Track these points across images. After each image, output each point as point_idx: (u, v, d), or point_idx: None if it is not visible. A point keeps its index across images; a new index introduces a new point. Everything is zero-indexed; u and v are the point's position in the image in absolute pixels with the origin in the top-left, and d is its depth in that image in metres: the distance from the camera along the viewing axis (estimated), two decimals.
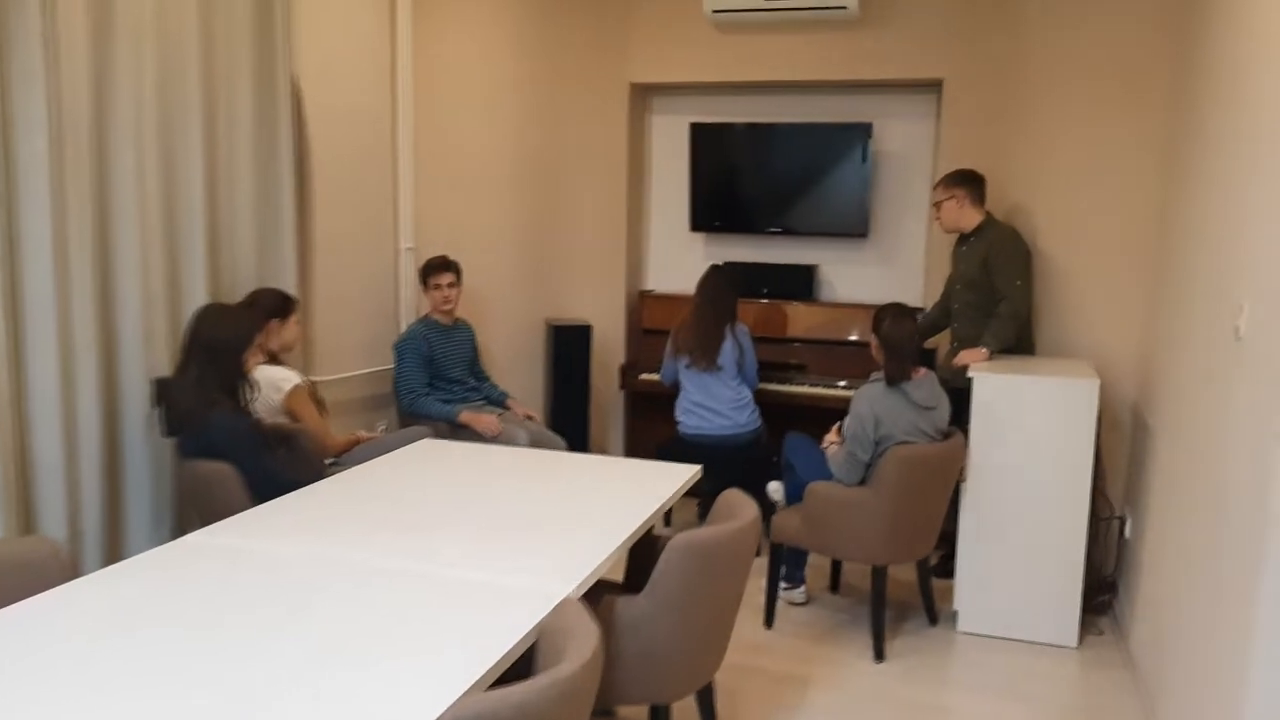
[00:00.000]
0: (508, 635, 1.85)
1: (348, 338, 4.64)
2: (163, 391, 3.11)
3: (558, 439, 4.69)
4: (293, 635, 1.83)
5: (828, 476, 3.69)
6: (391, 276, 4.96)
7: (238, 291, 3.80)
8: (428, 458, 3.16)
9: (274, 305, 3.70)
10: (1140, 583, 3.62)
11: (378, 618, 1.91)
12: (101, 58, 3.14)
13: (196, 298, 3.56)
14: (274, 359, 3.71)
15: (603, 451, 5.62)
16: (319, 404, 3.80)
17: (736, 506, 2.71)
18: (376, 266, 4.83)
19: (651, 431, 5.45)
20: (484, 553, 2.28)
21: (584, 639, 1.84)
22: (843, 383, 4.94)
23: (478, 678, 1.69)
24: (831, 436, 3.85)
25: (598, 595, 2.65)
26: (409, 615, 1.92)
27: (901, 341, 3.55)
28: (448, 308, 4.62)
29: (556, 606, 1.99)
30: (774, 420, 5.14)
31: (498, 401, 4.84)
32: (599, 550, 2.33)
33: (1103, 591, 4.06)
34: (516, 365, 5.37)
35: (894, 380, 3.55)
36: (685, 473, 3.11)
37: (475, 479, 2.90)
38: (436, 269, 4.59)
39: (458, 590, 2.05)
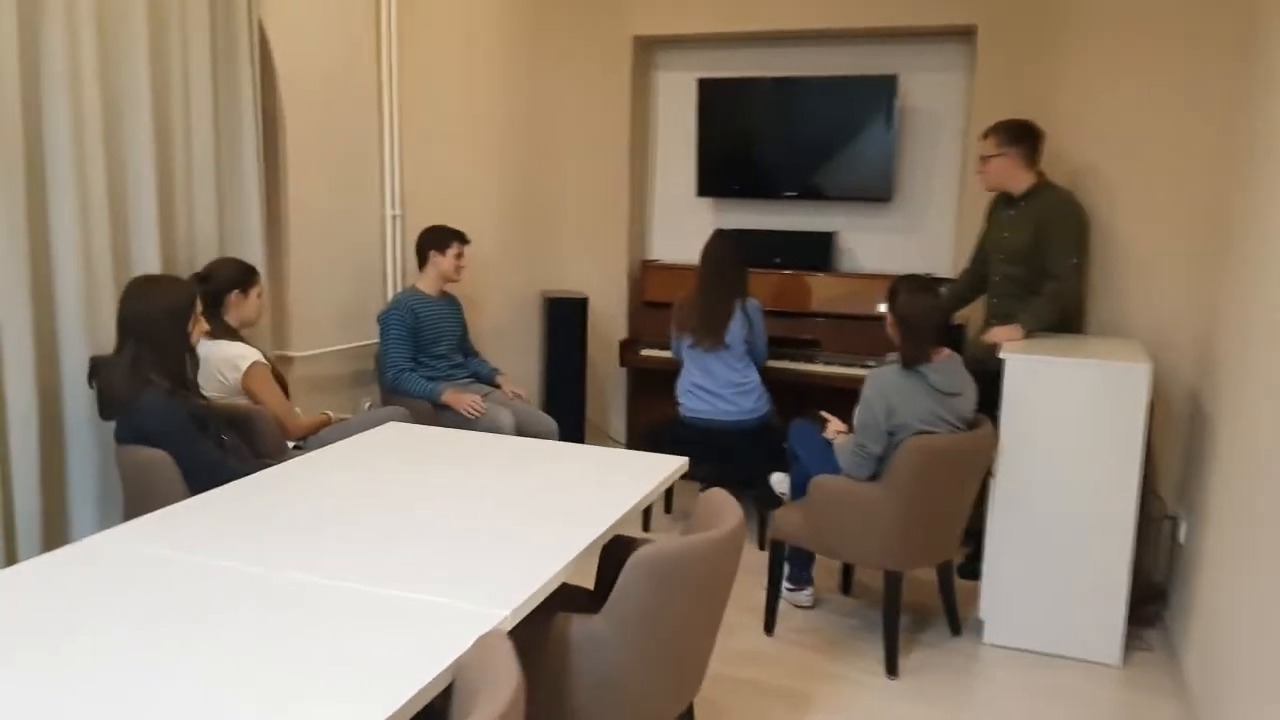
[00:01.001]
0: (418, 675, 1.51)
1: (329, 310, 4.28)
2: (96, 371, 2.77)
3: (548, 420, 4.30)
4: (175, 667, 1.50)
5: (836, 468, 3.26)
6: (378, 245, 4.57)
7: (197, 261, 3.44)
8: (388, 445, 2.79)
9: (232, 277, 3.37)
10: (1196, 593, 3.17)
11: (276, 648, 1.56)
12: None
13: (147, 268, 3.20)
14: (234, 334, 3.37)
15: (602, 432, 5.22)
16: (281, 383, 3.44)
17: (718, 510, 2.31)
18: (361, 234, 4.45)
19: (655, 411, 5.03)
20: (421, 564, 1.92)
21: (501, 685, 1.46)
22: (863, 361, 4.49)
23: None
24: (836, 425, 3.42)
25: (564, 604, 2.29)
26: (314, 645, 1.58)
27: (920, 318, 3.11)
28: (457, 279, 4.27)
29: (478, 641, 1.60)
30: (785, 402, 4.72)
31: (487, 379, 4.46)
32: (551, 563, 1.95)
33: (1151, 601, 3.61)
34: (510, 340, 4.98)
35: (911, 362, 3.11)
36: (669, 465, 2.72)
37: (433, 472, 2.54)
38: (461, 238, 4.26)
39: (378, 612, 1.70)
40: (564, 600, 2.46)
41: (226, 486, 2.37)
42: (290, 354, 4.05)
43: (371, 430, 2.98)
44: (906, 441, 3.07)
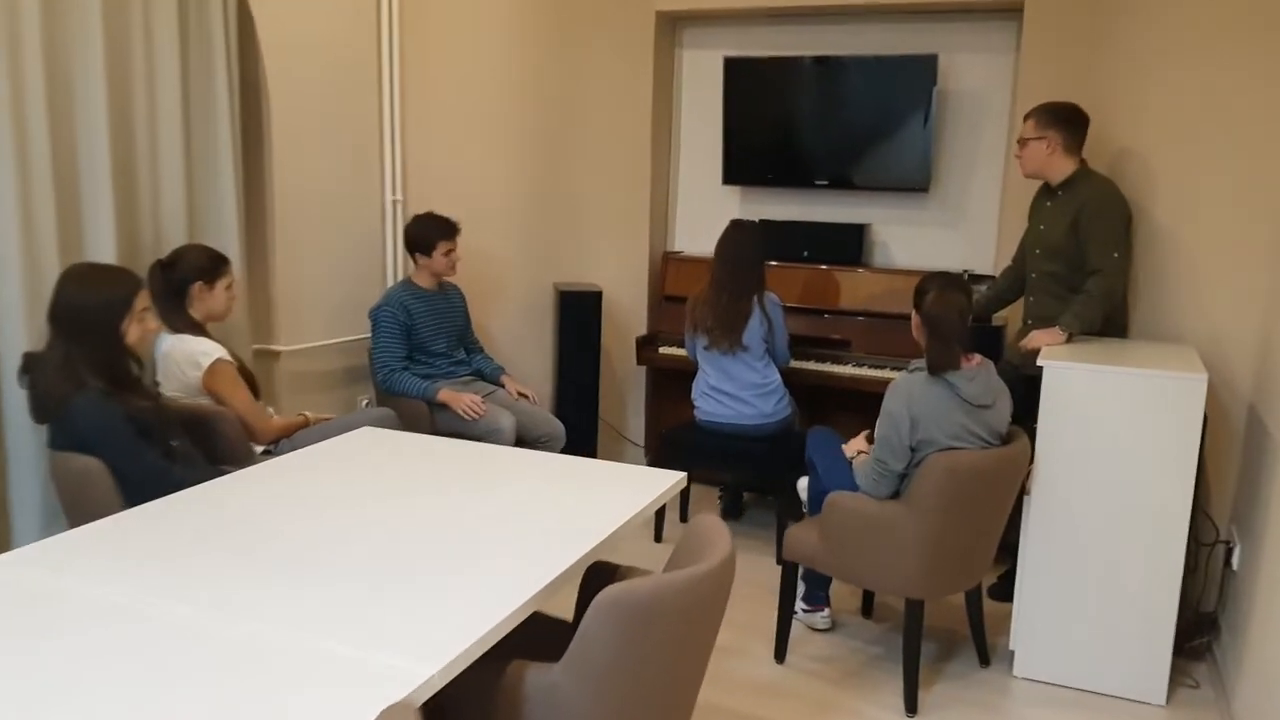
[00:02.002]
0: None
1: (321, 301, 4.09)
2: (27, 368, 2.57)
3: (554, 423, 4.07)
4: None
5: (854, 484, 2.99)
6: (378, 233, 4.38)
7: (163, 248, 3.26)
8: (355, 455, 2.57)
9: (198, 267, 3.16)
10: (1250, 626, 2.86)
11: (130, 712, 1.33)
12: None
13: (102, 255, 3.01)
14: (199, 329, 3.17)
15: (618, 434, 4.98)
16: (250, 382, 3.24)
17: (707, 540, 2.06)
18: (358, 221, 4.26)
19: (676, 412, 4.78)
20: (349, 603, 1.68)
21: None
22: (895, 364, 4.20)
23: None
24: (859, 444, 3.14)
25: (530, 640, 2.09)
26: (176, 709, 1.34)
27: (950, 320, 2.82)
28: (453, 274, 4.04)
29: (381, 715, 1.37)
30: (811, 405, 4.45)
31: (491, 377, 4.24)
32: (504, 605, 1.71)
33: (1200, 632, 3.29)
34: (521, 336, 4.75)
35: (938, 369, 2.82)
36: (664, 481, 2.47)
37: (395, 487, 2.31)
38: (448, 233, 3.98)
39: (275, 667, 1.46)
40: (532, 634, 2.23)
41: (155, 502, 2.16)
42: (276, 348, 3.86)
43: (341, 437, 2.75)
44: (930, 458, 2.79)
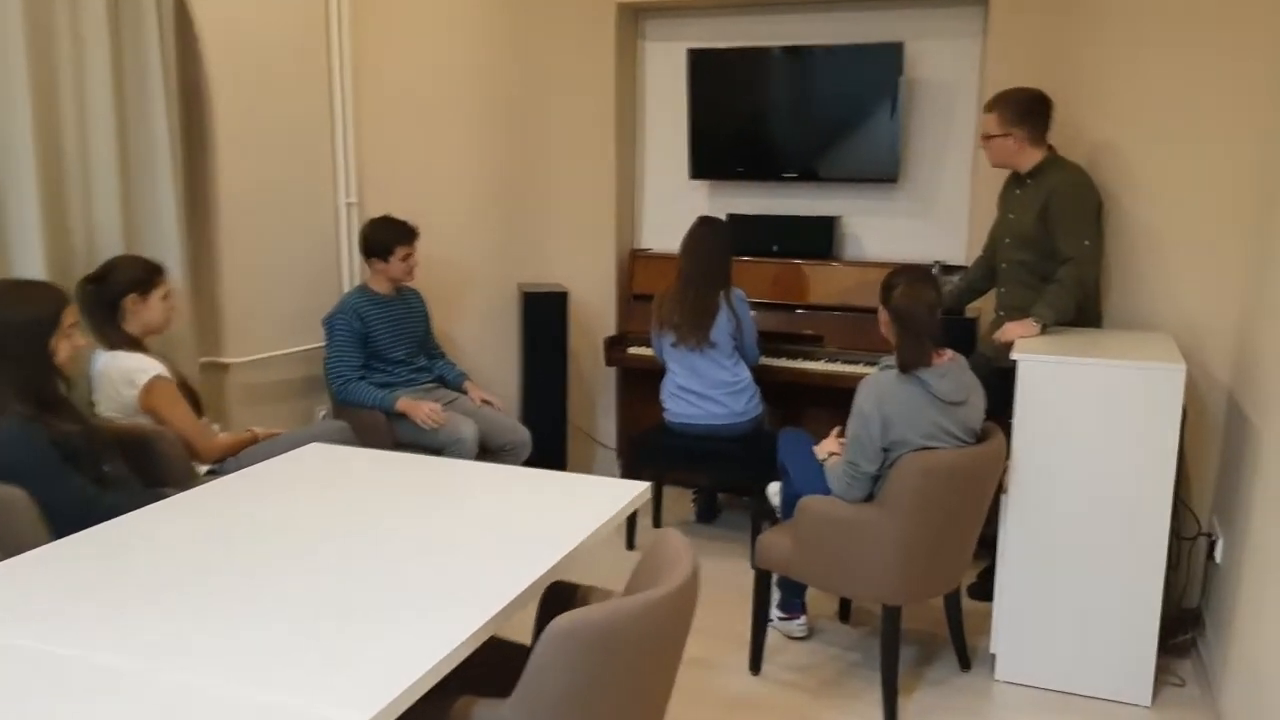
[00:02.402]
0: None
1: (273, 310, 3.95)
2: None
3: (519, 429, 3.96)
4: None
5: (827, 487, 2.89)
6: (332, 237, 4.24)
7: (98, 260, 3.11)
8: (300, 474, 2.44)
9: (130, 278, 3.01)
10: (1235, 620, 2.79)
11: None
12: None
13: (29, 270, 2.87)
14: (136, 344, 3.02)
15: (589, 438, 4.87)
16: (192, 399, 3.10)
17: (668, 560, 1.95)
18: (311, 226, 4.12)
19: (647, 413, 4.65)
20: (284, 646, 1.55)
21: None
22: (869, 359, 4.10)
23: None
24: (830, 445, 3.04)
25: (483, 669, 1.97)
26: None
27: (919, 315, 2.72)
28: (411, 280, 3.91)
29: None
30: (784, 403, 4.35)
31: (454, 383, 4.11)
32: (446, 641, 1.59)
33: (1184, 629, 3.22)
34: (486, 340, 4.63)
35: (909, 366, 2.72)
36: (628, 494, 2.35)
37: (340, 509, 2.18)
38: (405, 238, 3.84)
39: (190, 716, 1.34)
40: (488, 661, 2.12)
41: (79, 534, 2.01)
42: (225, 360, 3.72)
43: (286, 456, 2.61)
44: (904, 458, 2.69)
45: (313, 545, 1.97)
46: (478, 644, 1.66)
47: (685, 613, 1.86)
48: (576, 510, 2.20)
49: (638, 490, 2.37)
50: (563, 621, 1.64)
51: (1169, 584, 2.94)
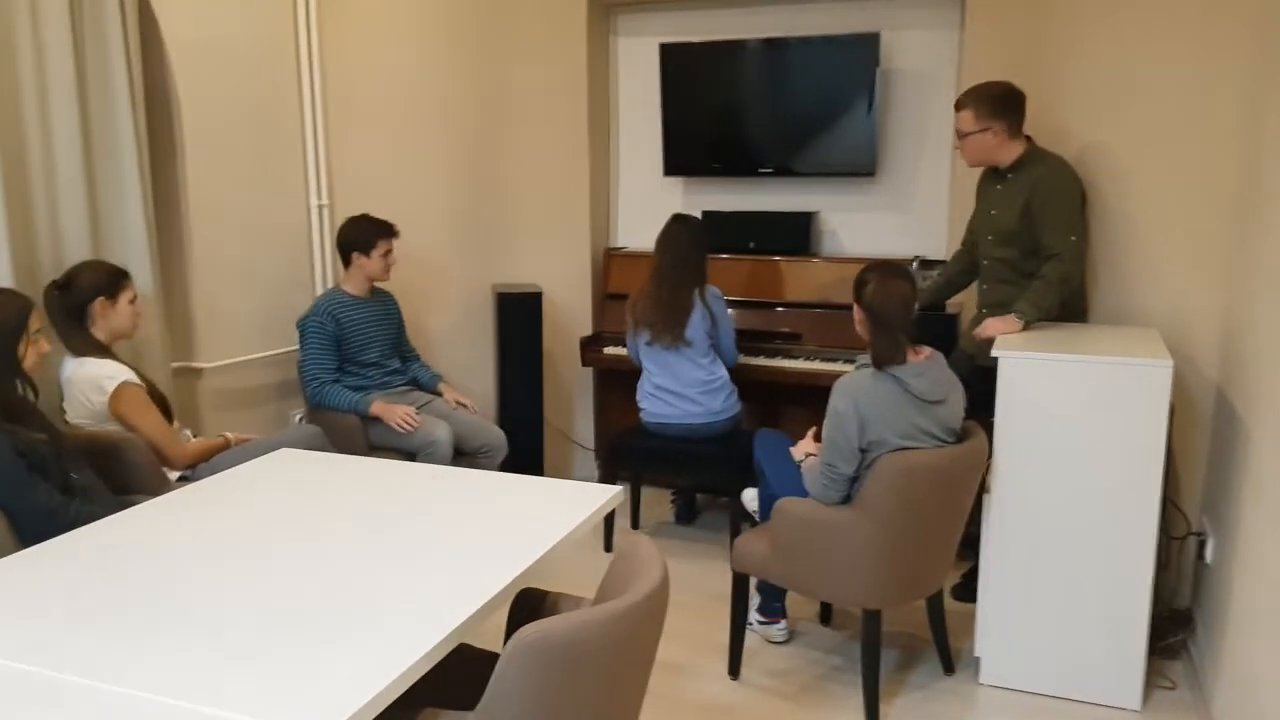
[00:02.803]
0: None
1: (245, 314, 3.85)
2: None
3: (494, 432, 3.86)
4: None
5: (804, 489, 2.81)
6: (304, 239, 4.15)
7: (65, 266, 3.03)
8: (267, 481, 2.36)
9: (96, 283, 2.95)
10: (1227, 621, 2.72)
11: None
12: None
13: None
14: (104, 350, 2.94)
15: (566, 439, 4.78)
16: (162, 404, 3.02)
17: (637, 567, 1.86)
18: (282, 229, 4.02)
19: (626, 414, 4.58)
20: (241, 660, 1.48)
21: None
22: (849, 356, 4.02)
23: None
24: (807, 446, 2.96)
25: (452, 677, 1.95)
26: None
27: (894, 311, 2.64)
28: (386, 279, 3.83)
29: None
30: (762, 402, 4.27)
31: (428, 386, 4.02)
32: (408, 653, 1.52)
33: (1175, 630, 3.14)
34: (460, 342, 4.53)
35: (883, 363, 2.64)
36: (598, 499, 2.27)
37: (307, 516, 2.11)
38: (387, 233, 3.78)
39: None
40: (455, 668, 2.04)
41: (39, 545, 1.94)
42: (197, 365, 3.63)
43: (254, 462, 2.53)
44: (882, 459, 2.61)
45: (276, 553, 1.91)
46: (441, 655, 1.59)
47: (655, 621, 1.78)
48: (546, 515, 2.13)
49: (609, 494, 2.29)
50: (526, 634, 1.56)
51: (1159, 584, 2.88)
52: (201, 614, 1.63)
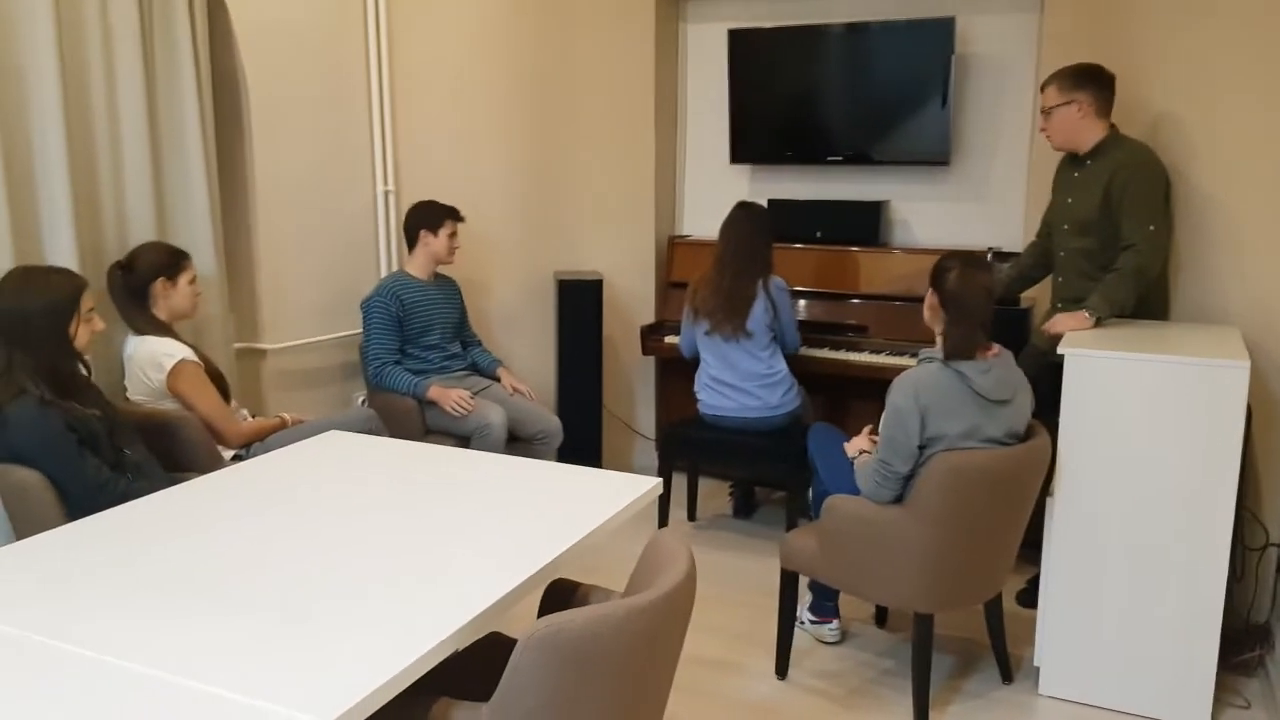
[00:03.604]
0: None
1: (309, 297, 3.90)
2: None
3: (549, 418, 3.86)
4: None
5: (856, 486, 2.73)
6: (370, 224, 4.18)
7: (128, 249, 3.10)
8: (311, 463, 2.38)
9: (157, 264, 3.01)
10: None
11: None
12: None
13: (60, 258, 2.85)
14: (165, 329, 3.01)
15: (626, 427, 4.75)
16: (220, 384, 3.07)
17: (662, 563, 1.83)
18: (347, 212, 4.06)
19: (687, 403, 4.49)
20: (259, 642, 1.49)
21: None
22: (916, 350, 3.90)
23: None
24: (861, 442, 2.88)
25: (479, 666, 1.92)
26: None
27: (976, 302, 2.53)
28: (450, 260, 3.86)
29: None
30: (827, 395, 4.18)
31: (487, 370, 4.03)
32: (424, 640, 1.51)
33: (1251, 645, 2.98)
34: (521, 328, 4.53)
35: (955, 354, 2.54)
36: (636, 490, 2.23)
37: (346, 500, 2.11)
38: (451, 215, 3.85)
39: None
40: (488, 655, 2.02)
41: (76, 522, 1.98)
42: (261, 346, 3.68)
43: (300, 444, 2.56)
44: (935, 458, 2.52)
45: (310, 534, 1.92)
46: (459, 643, 1.59)
47: (679, 617, 1.74)
48: (583, 506, 2.10)
49: (647, 486, 2.25)
50: (540, 628, 1.54)
51: (1233, 597, 2.73)
52: (230, 592, 1.65)
